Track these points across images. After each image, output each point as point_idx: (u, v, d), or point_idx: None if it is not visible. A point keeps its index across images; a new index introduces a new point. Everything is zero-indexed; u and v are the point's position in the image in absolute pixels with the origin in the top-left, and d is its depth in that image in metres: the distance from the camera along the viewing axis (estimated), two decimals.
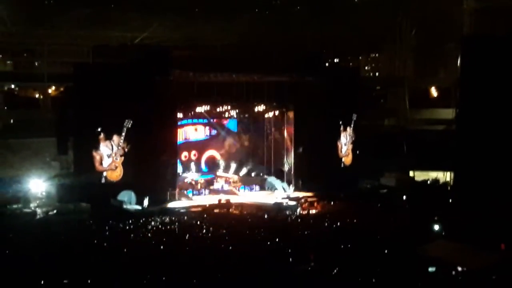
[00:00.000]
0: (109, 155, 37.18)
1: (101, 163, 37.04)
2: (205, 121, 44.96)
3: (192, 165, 44.52)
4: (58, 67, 50.87)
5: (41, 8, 45.38)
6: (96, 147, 36.84)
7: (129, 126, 37.10)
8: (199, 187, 42.14)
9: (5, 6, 44.72)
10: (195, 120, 44.69)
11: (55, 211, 34.65)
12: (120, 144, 37.27)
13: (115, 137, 37.16)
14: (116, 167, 37.42)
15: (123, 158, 37.50)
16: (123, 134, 37.19)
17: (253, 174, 44.66)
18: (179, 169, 43.09)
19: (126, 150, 37.41)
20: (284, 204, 38.20)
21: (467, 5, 47.10)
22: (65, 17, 46.17)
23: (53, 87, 50.90)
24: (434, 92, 54.02)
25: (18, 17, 45.80)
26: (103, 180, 37.10)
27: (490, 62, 38.98)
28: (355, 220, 32.93)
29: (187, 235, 29.97)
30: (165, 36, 50.79)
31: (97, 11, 46.03)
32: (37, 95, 52.39)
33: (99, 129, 36.75)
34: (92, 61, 43.54)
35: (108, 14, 46.75)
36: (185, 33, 51.27)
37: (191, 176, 43.45)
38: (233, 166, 45.40)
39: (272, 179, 43.06)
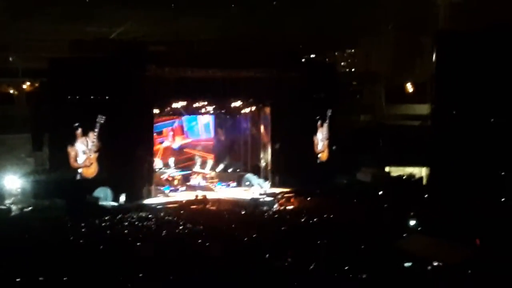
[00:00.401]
0: (84, 152, 36.98)
1: (76, 160, 36.84)
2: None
3: (171, 161, 44.39)
4: (33, 62, 50.40)
5: (15, 2, 44.88)
6: (72, 143, 36.60)
7: (102, 121, 36.90)
8: (175, 183, 42.06)
9: None
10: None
11: (30, 208, 34.38)
12: (95, 140, 37.07)
13: (90, 133, 36.98)
14: (91, 164, 37.22)
15: (97, 154, 37.29)
16: (97, 130, 36.99)
17: (230, 170, 44.63)
18: (159, 164, 43.06)
19: (100, 146, 37.20)
20: (261, 200, 38.23)
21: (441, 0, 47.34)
22: (41, 12, 45.72)
23: (28, 83, 50.41)
24: (410, 87, 54.20)
25: None
26: (78, 177, 36.88)
27: (465, 57, 39.35)
28: (331, 216, 32.99)
29: (164, 231, 29.95)
30: (141, 31, 50.51)
31: (73, 6, 45.65)
32: (11, 91, 51.86)
33: (76, 124, 36.52)
34: (67, 56, 43.18)
35: (84, 9, 46.38)
36: (161, 28, 51.03)
37: (168, 172, 43.34)
38: (210, 162, 45.35)
39: (249, 176, 43.06)
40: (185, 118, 44.70)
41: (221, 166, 44.95)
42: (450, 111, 40.37)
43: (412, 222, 29.78)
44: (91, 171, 37.16)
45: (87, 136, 36.88)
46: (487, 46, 39.07)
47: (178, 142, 45.50)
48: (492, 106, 39.23)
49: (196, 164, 45.38)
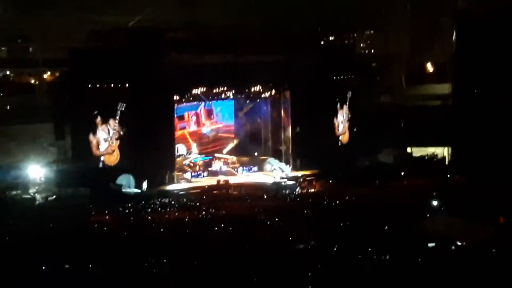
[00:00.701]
0: (105, 139, 37.17)
1: (98, 148, 37.03)
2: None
3: (194, 146, 44.43)
4: (53, 52, 50.66)
5: None
6: (93, 131, 36.82)
7: (123, 109, 37.04)
8: (197, 168, 42.15)
9: None
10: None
11: (54, 197, 34.67)
12: (116, 127, 37.24)
13: (111, 121, 37.14)
14: (113, 151, 37.41)
15: (119, 141, 37.48)
16: (118, 117, 37.15)
17: (255, 154, 44.60)
18: (182, 150, 43.18)
19: (121, 133, 37.40)
20: (283, 183, 38.27)
21: None
22: (59, 2, 45.90)
23: (49, 73, 50.70)
24: (430, 67, 53.88)
25: (11, 3, 45.54)
26: (101, 165, 37.10)
27: (484, 36, 39.02)
28: (353, 198, 33.02)
29: (187, 217, 30.12)
30: (159, 19, 50.55)
31: None
32: (32, 81, 52.20)
33: (95, 112, 36.71)
34: (87, 46, 43.32)
35: None
36: (179, 15, 51.04)
37: (190, 157, 43.42)
38: (231, 146, 45.37)
39: (271, 159, 43.02)
40: (213, 102, 44.35)
41: (242, 151, 44.86)
42: (471, 90, 40.11)
43: (435, 203, 29.73)
44: (113, 159, 37.36)
45: (108, 124, 37.05)
46: (506, 25, 38.74)
47: (208, 127, 45.19)
48: None
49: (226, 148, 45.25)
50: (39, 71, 49.96)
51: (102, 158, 37.18)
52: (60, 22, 48.76)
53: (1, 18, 46.73)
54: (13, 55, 52.98)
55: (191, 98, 42.55)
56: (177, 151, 43.38)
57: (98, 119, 36.84)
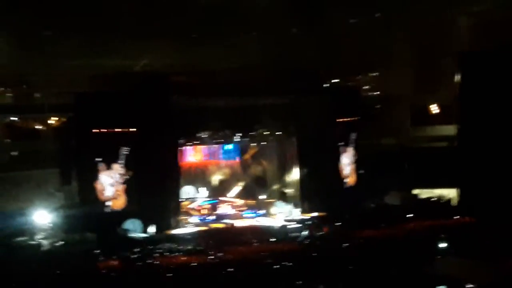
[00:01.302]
0: (111, 184, 37.16)
1: (103, 193, 37.02)
2: None
3: (203, 190, 44.45)
4: (58, 97, 50.86)
5: (37, 39, 45.35)
6: (98, 177, 36.79)
7: (127, 153, 37.09)
8: (204, 212, 42.06)
9: (1, 38, 44.77)
10: None
11: (60, 242, 34.56)
12: (121, 172, 37.26)
13: (115, 166, 37.16)
14: (119, 196, 37.38)
15: (125, 186, 37.46)
16: (122, 161, 37.18)
17: (262, 197, 44.56)
18: (192, 192, 43.21)
19: (127, 177, 37.40)
20: (290, 227, 38.13)
21: (464, 20, 47.17)
22: (63, 47, 46.14)
23: (54, 118, 50.85)
24: (435, 109, 53.96)
25: (15, 48, 45.80)
26: (107, 210, 37.02)
27: (489, 76, 39.20)
28: (361, 240, 32.86)
29: (194, 261, 29.97)
30: (163, 63, 50.82)
31: (94, 40, 46.01)
32: (37, 126, 52.33)
33: (98, 159, 36.75)
34: (91, 90, 43.54)
35: (105, 42, 46.74)
36: (183, 59, 51.31)
37: (197, 201, 43.39)
38: (237, 190, 45.35)
39: (277, 202, 42.97)
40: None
41: (248, 194, 44.83)
42: (477, 131, 40.12)
43: (444, 245, 29.55)
44: (119, 203, 37.29)
45: (113, 169, 37.05)
46: (511, 65, 38.88)
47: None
48: None
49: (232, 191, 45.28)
50: (44, 117, 50.13)
51: (108, 203, 37.10)
52: (65, 66, 49.05)
53: (5, 63, 47.02)
54: (18, 100, 53.18)
55: (196, 142, 42.72)
56: (188, 194, 43.48)
57: (103, 163, 36.88)
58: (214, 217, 41.47)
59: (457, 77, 42.07)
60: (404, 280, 24.52)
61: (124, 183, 37.39)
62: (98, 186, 36.79)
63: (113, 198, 37.17)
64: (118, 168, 37.14)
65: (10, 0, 38.62)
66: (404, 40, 51.28)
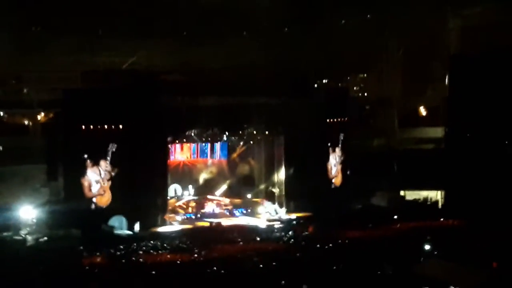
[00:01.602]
0: (97, 181, 37.04)
1: (89, 189, 36.89)
2: None
3: (190, 187, 44.45)
4: (46, 93, 50.79)
5: (29, 35, 45.33)
6: (85, 173, 36.71)
7: (114, 150, 37.00)
8: (190, 210, 42.02)
9: None
10: None
11: (45, 238, 34.46)
12: (107, 169, 37.16)
13: (102, 162, 37.05)
14: (105, 192, 37.26)
15: (110, 182, 37.35)
16: (109, 158, 37.10)
17: (248, 196, 44.55)
18: (179, 190, 43.24)
19: (113, 174, 37.31)
20: (276, 226, 38.13)
21: (453, 24, 47.40)
22: (53, 44, 46.12)
23: (42, 114, 50.78)
24: (423, 111, 54.19)
25: (5, 44, 45.72)
26: (93, 206, 36.92)
27: (477, 80, 39.29)
28: (346, 241, 32.88)
29: (179, 259, 29.92)
30: (153, 61, 50.85)
31: (85, 37, 46.02)
32: (26, 122, 52.23)
33: (85, 156, 36.65)
34: (81, 87, 43.49)
35: (96, 40, 46.76)
36: (173, 57, 51.35)
37: (183, 199, 43.37)
38: (224, 188, 45.32)
39: (264, 202, 43.00)
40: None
41: (234, 192, 44.83)
42: (463, 133, 40.26)
43: (428, 247, 29.62)
44: (105, 200, 37.20)
45: (99, 165, 36.97)
46: (499, 68, 39.05)
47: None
48: (506, 128, 39.08)
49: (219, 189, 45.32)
50: (32, 112, 50.05)
51: (94, 199, 37.02)
52: (54, 63, 48.99)
53: None
54: (6, 96, 53.06)
55: (184, 140, 42.71)
56: (175, 192, 43.46)
57: (90, 160, 36.77)
58: (200, 215, 41.36)
59: (445, 80, 42.19)
60: (388, 281, 24.59)
61: (110, 180, 37.29)
62: (84, 182, 36.68)
63: (99, 194, 37.06)
64: (105, 165, 37.05)
65: None
66: (393, 42, 51.51)
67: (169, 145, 41.81)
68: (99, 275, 27.09)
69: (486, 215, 34.90)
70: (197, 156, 45.10)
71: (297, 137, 41.72)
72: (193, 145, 44.56)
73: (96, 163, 36.84)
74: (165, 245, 33.21)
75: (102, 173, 37.01)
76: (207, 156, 45.51)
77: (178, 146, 43.95)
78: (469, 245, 29.54)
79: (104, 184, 37.08)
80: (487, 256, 26.64)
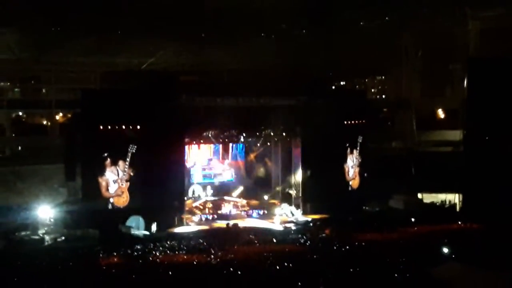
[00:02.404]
0: (115, 181, 37.13)
1: (107, 189, 36.97)
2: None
3: (209, 188, 44.56)
4: (65, 93, 51.07)
5: (48, 35, 45.51)
6: (103, 173, 36.86)
7: (134, 151, 37.09)
8: (207, 211, 42.08)
9: (12, 33, 44.96)
10: None
11: (63, 238, 34.65)
12: (126, 169, 37.28)
13: (120, 163, 37.14)
14: (122, 193, 37.35)
15: (128, 183, 37.48)
16: (128, 159, 37.20)
17: (265, 198, 44.54)
18: (198, 190, 43.37)
19: (131, 175, 37.42)
20: (293, 228, 38.10)
21: (472, 26, 47.17)
22: (72, 44, 46.31)
23: (61, 114, 51.04)
24: (441, 113, 53.94)
25: (25, 44, 46.01)
26: (110, 206, 37.06)
27: (496, 82, 39.12)
28: (363, 244, 32.80)
29: (195, 260, 29.97)
30: (171, 62, 50.95)
31: (104, 38, 46.15)
32: (44, 122, 52.53)
33: (105, 155, 36.80)
34: (99, 87, 43.66)
35: (114, 41, 46.89)
36: (191, 58, 51.43)
37: (200, 199, 43.45)
38: (241, 189, 45.36)
39: (281, 203, 42.99)
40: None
41: (252, 194, 44.87)
42: (482, 137, 40.04)
43: (446, 250, 29.51)
44: (122, 200, 37.28)
45: (118, 166, 37.07)
46: None
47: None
48: None
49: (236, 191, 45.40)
50: (51, 112, 50.32)
51: (111, 199, 37.15)
52: (73, 63, 49.23)
53: (14, 59, 47.21)
54: (25, 96, 53.40)
55: (201, 141, 42.77)
56: (193, 193, 43.55)
57: (109, 160, 36.90)
58: (216, 216, 41.40)
59: (464, 82, 42.00)
60: (406, 284, 24.54)
61: (128, 180, 37.40)
62: (102, 182, 36.79)
63: (117, 195, 37.16)
64: (123, 165, 37.16)
65: None
66: (411, 44, 51.33)
67: (188, 146, 41.96)
68: (116, 275, 27.22)
69: (505, 219, 34.74)
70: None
71: (314, 139, 41.62)
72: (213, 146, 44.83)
73: (114, 163, 36.95)
74: (182, 245, 33.28)
75: (120, 173, 37.11)
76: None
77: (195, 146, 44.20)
78: (487, 249, 29.41)
79: (122, 185, 37.16)
80: (506, 260, 26.52)
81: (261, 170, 46.02)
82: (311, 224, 38.81)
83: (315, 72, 49.06)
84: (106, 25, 43.87)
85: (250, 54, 50.95)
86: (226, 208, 42.60)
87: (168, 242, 33.84)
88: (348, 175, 43.60)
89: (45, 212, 36.90)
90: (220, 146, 45.25)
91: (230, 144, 45.47)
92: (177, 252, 31.70)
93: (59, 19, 42.99)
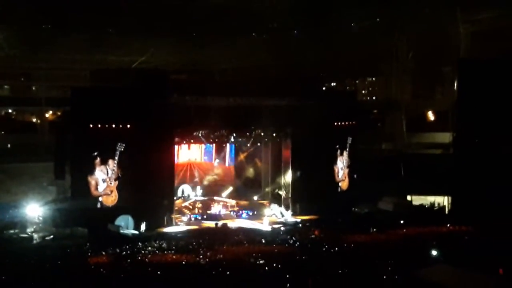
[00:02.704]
0: (104, 180, 37.03)
1: (96, 188, 36.88)
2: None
3: (198, 188, 44.52)
4: (55, 91, 50.94)
5: (38, 33, 45.37)
6: (92, 172, 36.75)
7: (122, 149, 36.97)
8: (196, 211, 42.05)
9: (3, 30, 44.79)
10: None
11: (51, 236, 34.51)
12: (114, 168, 37.17)
13: (110, 161, 37.06)
14: (111, 192, 37.25)
15: (117, 182, 37.37)
16: (117, 158, 37.09)
17: (255, 198, 44.51)
18: (187, 190, 43.27)
19: (120, 174, 37.31)
20: (282, 229, 38.08)
21: (463, 28, 47.27)
22: (63, 42, 46.18)
23: (51, 111, 50.89)
24: (431, 115, 54.07)
25: (15, 41, 45.85)
26: (99, 205, 36.94)
27: (486, 85, 39.17)
28: (352, 245, 32.81)
29: (184, 260, 29.92)
30: (162, 60, 50.89)
31: (95, 36, 46.04)
32: (34, 119, 52.37)
33: (95, 154, 36.68)
34: (90, 85, 43.55)
35: (106, 38, 46.79)
36: (182, 57, 51.39)
37: (190, 199, 43.41)
38: (230, 190, 45.34)
39: (271, 204, 42.98)
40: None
41: (241, 194, 44.86)
42: (472, 139, 40.11)
43: (435, 252, 29.56)
44: (111, 199, 37.20)
45: (107, 164, 36.97)
46: (508, 73, 38.95)
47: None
48: None
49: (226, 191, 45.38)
50: (41, 110, 50.17)
51: (100, 198, 37.03)
52: (63, 61, 49.08)
53: (4, 56, 47.05)
54: (15, 93, 53.24)
55: (191, 140, 42.70)
56: (182, 193, 43.49)
57: (98, 159, 36.79)
58: (206, 216, 41.36)
59: (454, 84, 42.10)
60: (395, 286, 24.54)
61: (117, 179, 37.30)
62: (91, 180, 36.68)
63: (105, 194, 37.05)
64: (112, 164, 37.06)
65: None
66: (402, 46, 51.41)
67: (178, 145, 41.92)
68: (105, 274, 27.15)
69: (493, 221, 34.82)
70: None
71: (304, 140, 41.63)
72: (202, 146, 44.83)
73: (103, 162, 36.86)
74: (171, 245, 33.21)
75: (109, 172, 37.02)
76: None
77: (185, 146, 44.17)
78: (476, 251, 29.46)
79: (111, 183, 37.07)
80: (494, 262, 26.56)
81: (251, 170, 46.01)
82: (300, 225, 38.79)
83: (306, 73, 49.08)
84: (97, 23, 43.76)
85: (241, 54, 50.95)
86: (215, 208, 42.63)
87: (157, 242, 33.78)
88: (338, 176, 43.61)
89: (34, 210, 36.80)
90: (213, 146, 45.32)
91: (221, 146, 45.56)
92: (166, 252, 31.60)
93: (50, 16, 42.84)
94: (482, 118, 39.54)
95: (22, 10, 41.69)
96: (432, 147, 49.76)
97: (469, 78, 40.59)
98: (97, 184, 36.84)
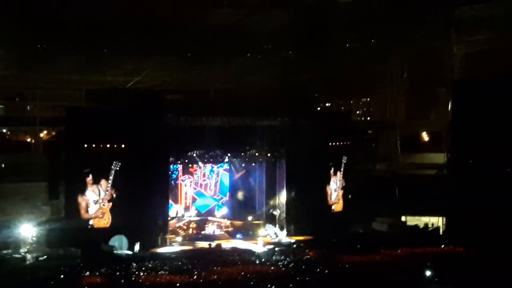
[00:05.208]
0: (95, 201, 36.76)
1: (87, 210, 36.50)
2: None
3: (193, 209, 44.40)
4: (50, 111, 50.89)
5: (33, 53, 45.41)
6: (82, 192, 36.53)
7: (117, 168, 36.85)
8: (190, 231, 41.93)
9: None
10: None
11: (45, 257, 34.34)
12: (108, 188, 37.00)
13: (103, 182, 36.89)
14: (103, 214, 36.93)
15: (111, 204, 37.18)
16: (111, 177, 36.93)
17: (249, 218, 44.41)
18: (180, 210, 43.15)
19: (114, 195, 37.16)
20: (276, 249, 37.97)
21: (457, 49, 47.48)
22: (58, 61, 46.20)
23: (45, 131, 50.83)
24: (425, 136, 54.18)
25: (10, 61, 45.84)
26: (91, 226, 36.71)
27: (480, 106, 39.30)
28: (347, 266, 32.76)
29: (179, 280, 29.82)
30: (157, 80, 50.94)
31: (90, 56, 46.09)
32: (28, 139, 52.29)
33: (87, 175, 36.43)
34: (84, 105, 43.53)
35: (100, 59, 46.85)
36: (177, 77, 51.45)
37: (184, 219, 43.27)
38: (225, 210, 45.24)
39: (265, 225, 42.90)
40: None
41: (235, 215, 44.74)
42: (466, 160, 40.19)
43: (429, 273, 29.55)
44: (103, 223, 36.86)
45: (100, 185, 36.80)
46: (502, 95, 39.09)
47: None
48: (509, 155, 39.02)
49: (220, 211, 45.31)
50: (35, 130, 50.10)
51: (91, 221, 36.73)
52: (58, 80, 49.07)
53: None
54: (10, 113, 53.15)
55: (186, 161, 42.62)
56: (176, 213, 43.32)
57: (91, 178, 36.64)
58: (200, 236, 41.25)
59: (449, 105, 42.25)
60: None
61: (111, 200, 37.12)
62: (81, 203, 36.32)
63: (96, 216, 36.67)
64: (105, 185, 36.88)
65: (9, 15, 38.64)
66: (397, 67, 51.61)
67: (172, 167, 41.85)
68: None
69: (488, 243, 34.82)
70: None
71: (299, 160, 41.64)
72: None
73: (96, 181, 36.69)
74: (165, 265, 33.09)
75: (102, 193, 36.82)
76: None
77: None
78: (470, 272, 29.45)
79: (103, 205, 36.84)
80: (488, 283, 26.57)
81: (246, 191, 45.89)
82: (294, 246, 38.68)
83: (301, 93, 49.19)
84: (92, 43, 43.78)
85: (236, 74, 51.05)
86: (209, 229, 42.51)
87: (151, 262, 33.65)
88: (332, 196, 43.58)
89: (28, 231, 36.63)
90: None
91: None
92: (160, 272, 31.49)
93: (45, 36, 42.86)
94: (476, 139, 39.64)
95: (16, 31, 41.71)
96: (426, 168, 49.82)
97: (463, 99, 40.79)
98: (87, 206, 36.45)
